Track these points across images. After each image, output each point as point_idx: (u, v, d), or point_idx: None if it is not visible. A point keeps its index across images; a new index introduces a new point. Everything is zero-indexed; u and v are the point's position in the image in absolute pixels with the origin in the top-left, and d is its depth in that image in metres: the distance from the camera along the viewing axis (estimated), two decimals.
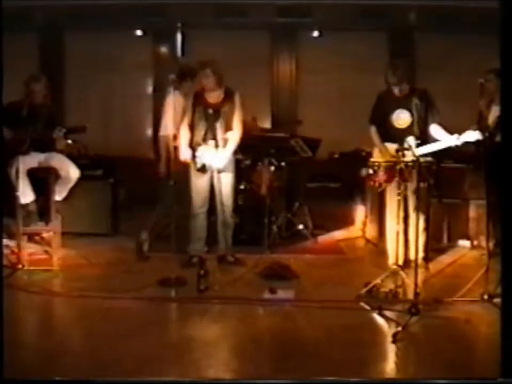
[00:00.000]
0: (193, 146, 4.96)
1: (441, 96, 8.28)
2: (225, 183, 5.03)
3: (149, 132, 8.88)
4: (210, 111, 4.92)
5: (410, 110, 4.77)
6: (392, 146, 4.71)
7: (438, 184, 5.05)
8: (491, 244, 4.42)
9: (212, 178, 5.03)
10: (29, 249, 5.02)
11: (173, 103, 5.11)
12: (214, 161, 4.93)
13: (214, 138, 4.93)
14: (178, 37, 8.19)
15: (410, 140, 4.63)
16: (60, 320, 4.06)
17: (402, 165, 4.14)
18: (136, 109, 9.00)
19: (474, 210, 5.82)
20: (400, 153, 4.36)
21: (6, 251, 4.97)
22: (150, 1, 8.39)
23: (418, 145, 4.60)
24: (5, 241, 5.00)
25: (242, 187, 5.96)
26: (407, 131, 4.71)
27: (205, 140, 4.93)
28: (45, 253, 5.17)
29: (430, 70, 8.47)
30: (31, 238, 5.29)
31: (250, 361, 3.21)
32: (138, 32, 8.81)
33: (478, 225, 5.74)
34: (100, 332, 3.62)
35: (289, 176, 6.46)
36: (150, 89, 9.06)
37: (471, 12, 7.82)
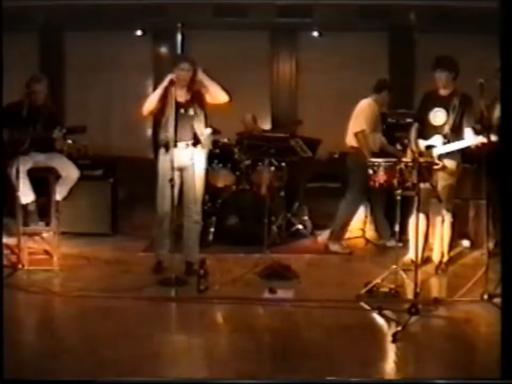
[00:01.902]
0: (165, 146, 4.71)
1: None
2: (191, 184, 4.77)
3: (149, 131, 8.87)
4: (182, 110, 4.68)
5: (447, 110, 4.81)
6: (423, 143, 4.83)
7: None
8: (491, 244, 4.42)
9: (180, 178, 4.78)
10: (29, 249, 5.02)
11: (369, 108, 5.48)
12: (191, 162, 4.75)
13: (186, 139, 4.71)
14: (178, 37, 8.20)
15: (437, 138, 4.75)
16: (59, 320, 4.06)
17: (402, 165, 4.15)
18: (136, 109, 8.98)
19: (475, 210, 5.83)
20: (429, 150, 4.64)
21: (6, 251, 4.98)
22: (150, 1, 8.39)
23: (444, 144, 4.75)
24: (5, 241, 5.01)
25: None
26: (439, 129, 4.81)
27: (176, 141, 4.67)
28: (45, 253, 5.17)
29: (430, 70, 8.45)
30: (31, 238, 5.29)
31: (250, 361, 3.21)
32: (138, 32, 8.80)
33: (478, 225, 5.75)
34: (100, 331, 3.62)
35: (289, 176, 6.46)
36: (150, 89, 9.05)
37: (472, 12, 7.81)
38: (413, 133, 4.98)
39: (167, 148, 4.68)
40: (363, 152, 5.48)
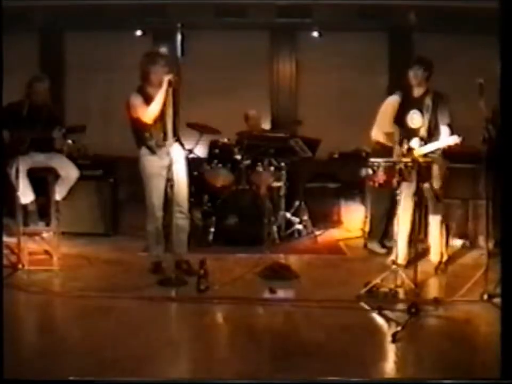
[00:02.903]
0: (154, 146, 4.72)
1: None
2: (182, 181, 4.79)
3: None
4: (165, 109, 4.62)
5: (422, 111, 4.82)
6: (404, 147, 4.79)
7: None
8: (491, 244, 4.42)
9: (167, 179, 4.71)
10: (29, 249, 5.01)
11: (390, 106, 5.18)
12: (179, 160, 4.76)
13: (174, 137, 4.69)
14: (178, 37, 8.19)
15: (414, 142, 4.70)
16: (59, 320, 4.06)
17: (402, 165, 4.15)
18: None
19: (474, 210, 5.83)
20: (409, 153, 4.49)
21: (6, 251, 4.98)
22: (150, 1, 8.38)
23: (421, 146, 4.71)
24: (5, 241, 5.01)
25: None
26: (417, 132, 4.80)
27: (161, 140, 4.68)
28: (45, 253, 5.17)
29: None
30: (31, 238, 5.29)
31: (250, 361, 3.21)
32: (138, 32, 8.79)
33: (477, 225, 5.75)
34: (100, 331, 3.62)
35: (289, 176, 6.46)
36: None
37: (471, 12, 7.81)
38: (395, 136, 4.94)
39: (151, 148, 4.70)
40: (388, 148, 5.44)
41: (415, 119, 4.85)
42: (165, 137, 4.66)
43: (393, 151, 4.95)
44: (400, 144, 4.80)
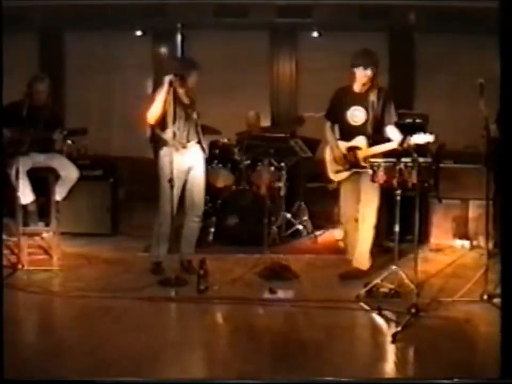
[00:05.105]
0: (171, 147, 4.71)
1: (441, 96, 8.31)
2: (199, 183, 4.84)
3: (149, 132, 8.85)
4: (189, 111, 4.75)
5: (366, 108, 4.61)
6: (344, 145, 4.69)
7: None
8: (490, 244, 4.42)
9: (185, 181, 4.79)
10: (29, 249, 5.01)
11: None
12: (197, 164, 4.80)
13: (193, 140, 4.78)
14: (178, 37, 8.20)
15: (360, 140, 4.60)
16: (59, 320, 4.06)
17: (401, 165, 4.14)
18: (136, 109, 8.97)
19: (474, 210, 5.82)
20: (351, 152, 4.54)
21: (6, 251, 4.98)
22: (150, 1, 8.39)
23: (370, 145, 4.54)
24: (5, 241, 5.01)
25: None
26: (361, 129, 4.62)
27: (184, 141, 4.74)
28: (45, 253, 5.17)
29: (430, 70, 8.47)
30: (31, 238, 5.28)
31: (250, 361, 3.21)
32: (138, 32, 8.80)
33: (477, 225, 5.74)
34: (100, 331, 3.62)
35: (289, 176, 6.46)
36: (150, 89, 9.05)
37: (471, 12, 7.81)
38: (328, 132, 4.81)
39: (168, 148, 4.69)
40: None
41: (356, 116, 4.63)
42: (186, 138, 4.73)
43: (330, 150, 4.83)
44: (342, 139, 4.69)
